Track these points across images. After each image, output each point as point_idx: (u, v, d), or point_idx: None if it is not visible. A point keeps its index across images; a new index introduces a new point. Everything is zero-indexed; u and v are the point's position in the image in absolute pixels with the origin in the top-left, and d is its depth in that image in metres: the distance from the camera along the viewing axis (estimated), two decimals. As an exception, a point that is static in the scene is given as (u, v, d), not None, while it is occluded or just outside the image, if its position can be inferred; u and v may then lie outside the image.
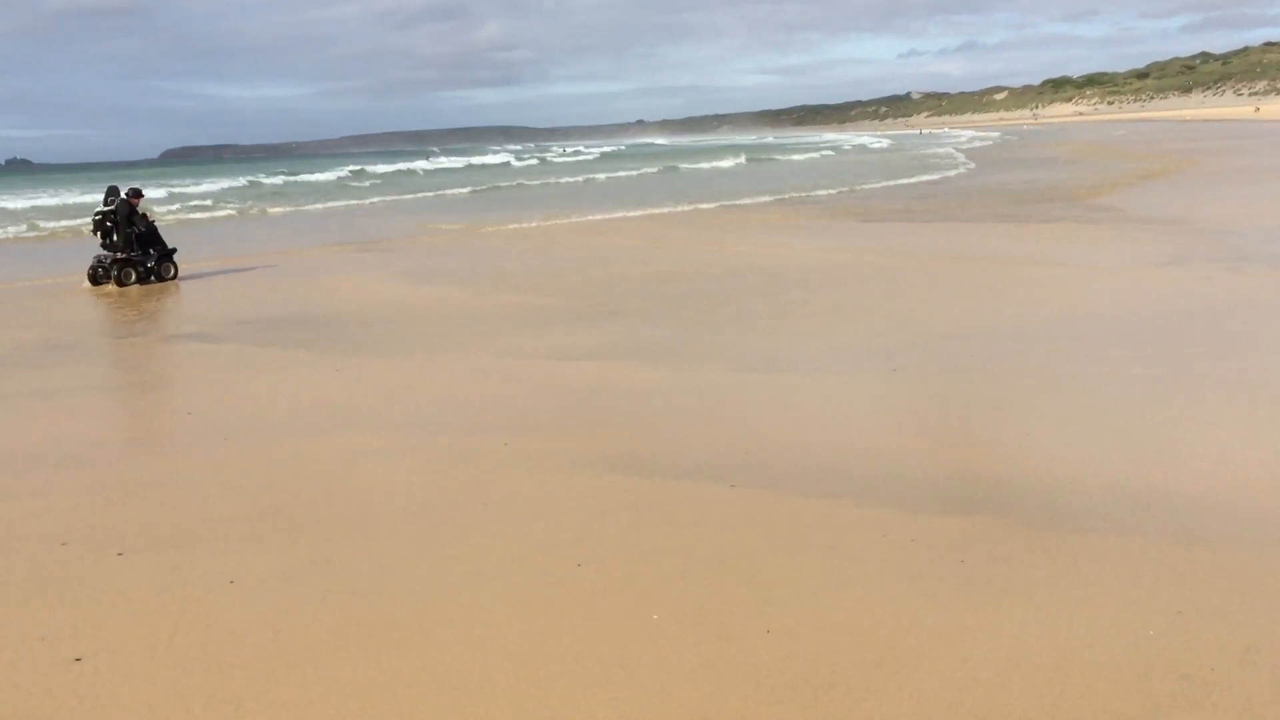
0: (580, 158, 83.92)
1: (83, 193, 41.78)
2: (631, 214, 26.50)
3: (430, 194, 40.02)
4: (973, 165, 44.43)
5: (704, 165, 57.43)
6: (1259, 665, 3.98)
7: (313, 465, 7.02)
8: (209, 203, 36.87)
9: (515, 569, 5.16)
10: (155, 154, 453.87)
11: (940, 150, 64.28)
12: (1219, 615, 4.36)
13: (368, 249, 20.64)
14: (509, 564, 5.23)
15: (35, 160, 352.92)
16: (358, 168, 62.48)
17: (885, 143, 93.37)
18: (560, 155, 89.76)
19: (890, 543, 5.26)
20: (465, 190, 41.54)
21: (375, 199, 38.33)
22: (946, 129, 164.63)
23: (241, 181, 49.99)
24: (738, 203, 29.42)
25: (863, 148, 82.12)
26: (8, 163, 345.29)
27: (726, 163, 59.28)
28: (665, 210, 27.49)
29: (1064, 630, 4.28)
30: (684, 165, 57.52)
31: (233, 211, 33.45)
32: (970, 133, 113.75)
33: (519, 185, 44.64)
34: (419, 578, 5.12)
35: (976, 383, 8.45)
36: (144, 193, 17.55)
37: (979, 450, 6.74)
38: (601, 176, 48.98)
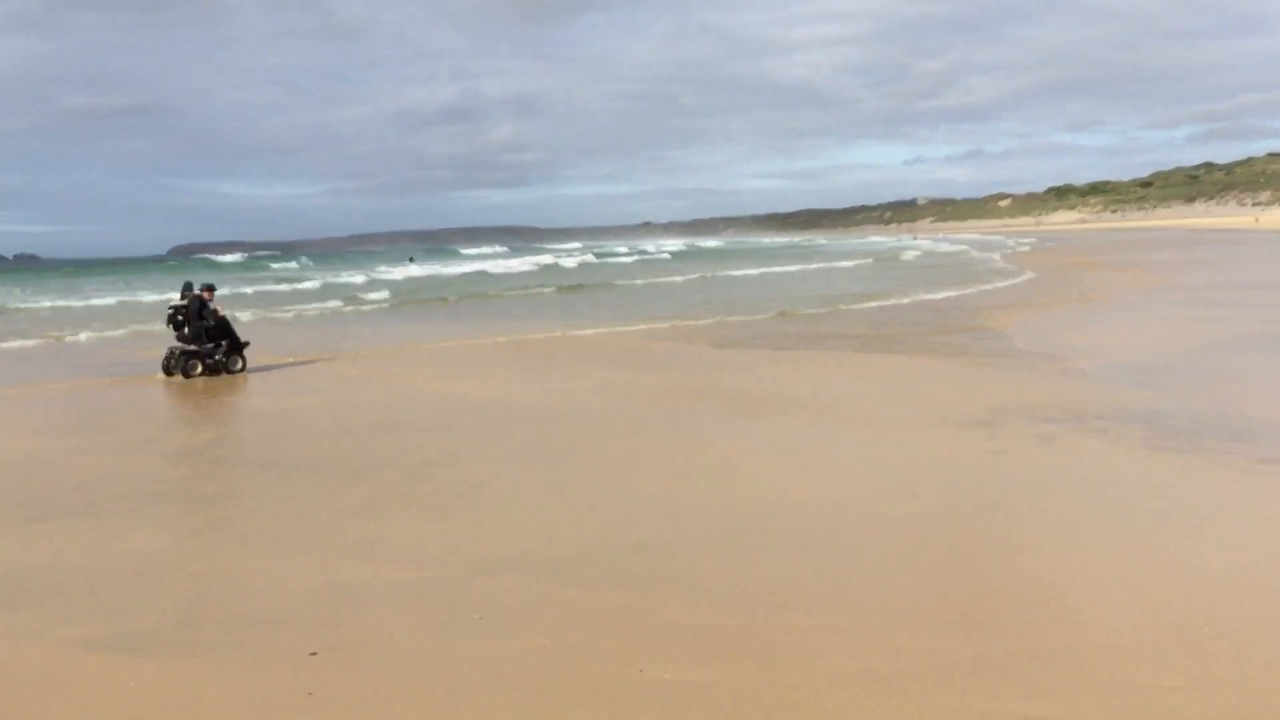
0: (649, 258, 79.21)
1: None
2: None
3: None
4: (1031, 275, 39.41)
5: (841, 264, 56.42)
6: None
7: None
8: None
9: None
10: (163, 250, 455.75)
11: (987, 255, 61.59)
12: None
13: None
14: None
15: (43, 255, 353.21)
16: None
17: (959, 246, 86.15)
18: (624, 255, 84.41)
19: None
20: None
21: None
22: (943, 235, 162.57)
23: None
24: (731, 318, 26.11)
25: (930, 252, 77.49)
26: (15, 258, 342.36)
27: (848, 263, 57.82)
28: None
29: None
30: (815, 265, 56.05)
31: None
32: (998, 237, 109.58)
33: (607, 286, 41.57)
34: None
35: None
36: (216, 288, 17.62)
37: None
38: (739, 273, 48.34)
